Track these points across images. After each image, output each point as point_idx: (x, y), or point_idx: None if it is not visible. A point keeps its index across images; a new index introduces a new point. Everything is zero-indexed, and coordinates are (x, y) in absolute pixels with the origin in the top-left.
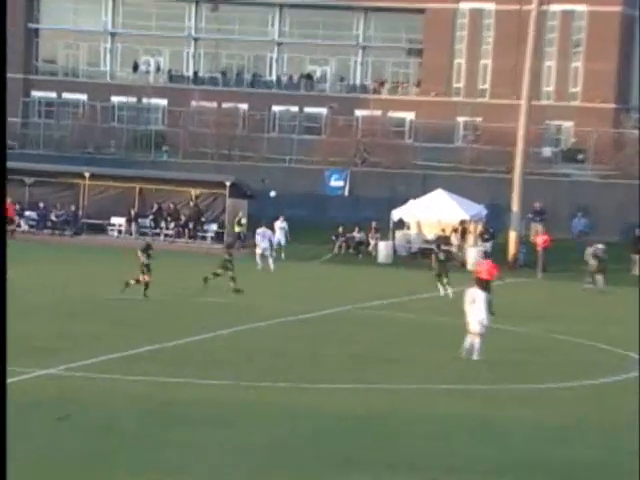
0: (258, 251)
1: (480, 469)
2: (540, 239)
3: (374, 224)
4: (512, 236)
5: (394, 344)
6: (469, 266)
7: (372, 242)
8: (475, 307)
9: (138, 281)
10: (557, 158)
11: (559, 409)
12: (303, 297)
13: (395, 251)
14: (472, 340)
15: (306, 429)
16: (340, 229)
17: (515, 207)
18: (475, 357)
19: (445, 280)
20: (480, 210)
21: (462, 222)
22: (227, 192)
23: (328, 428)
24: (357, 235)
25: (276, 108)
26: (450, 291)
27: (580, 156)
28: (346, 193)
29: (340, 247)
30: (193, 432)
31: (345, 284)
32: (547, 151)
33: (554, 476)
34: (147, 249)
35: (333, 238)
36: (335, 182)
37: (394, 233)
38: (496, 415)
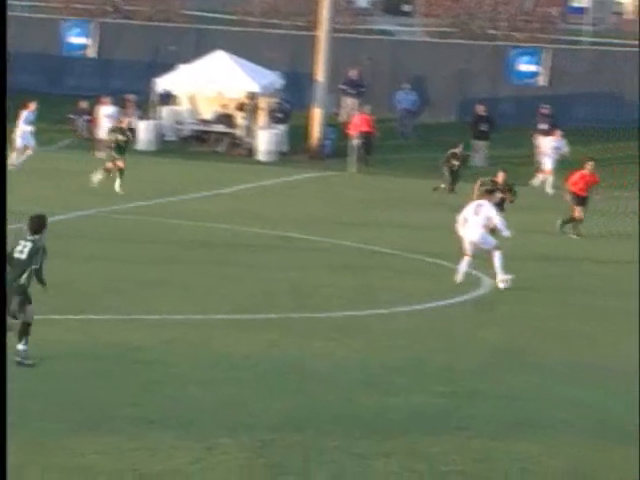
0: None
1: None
2: (356, 119)
3: (131, 97)
4: (316, 115)
5: (156, 262)
6: (260, 156)
7: (127, 122)
8: None
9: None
10: (375, 9)
11: (383, 342)
12: (35, 197)
13: (161, 135)
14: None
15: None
16: (84, 104)
17: (320, 76)
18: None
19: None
20: (274, 79)
21: (251, 95)
22: None
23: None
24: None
25: None
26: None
27: (406, 7)
28: (93, 54)
29: (84, 128)
30: None
31: (86, 179)
32: None
33: (367, 428)
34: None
35: (72, 116)
36: (77, 38)
37: (159, 110)
38: (297, 354)
